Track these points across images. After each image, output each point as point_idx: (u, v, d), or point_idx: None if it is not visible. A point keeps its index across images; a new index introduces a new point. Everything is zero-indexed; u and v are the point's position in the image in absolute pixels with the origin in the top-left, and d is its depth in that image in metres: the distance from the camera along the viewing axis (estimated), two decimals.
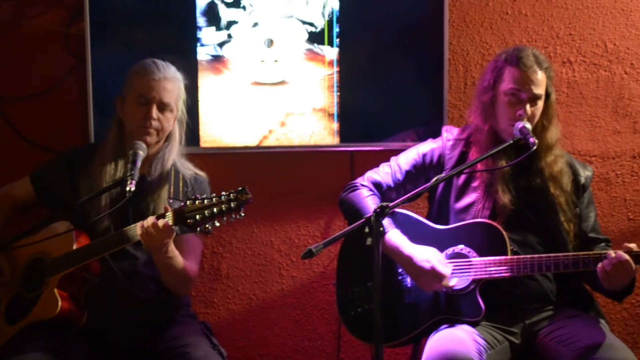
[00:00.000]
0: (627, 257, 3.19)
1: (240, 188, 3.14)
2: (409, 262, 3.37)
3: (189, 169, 3.61)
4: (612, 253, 3.21)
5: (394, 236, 3.42)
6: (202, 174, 3.64)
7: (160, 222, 3.18)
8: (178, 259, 3.39)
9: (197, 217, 3.14)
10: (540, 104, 3.47)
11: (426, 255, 3.36)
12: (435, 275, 3.33)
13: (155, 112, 3.45)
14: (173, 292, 3.52)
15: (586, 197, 3.59)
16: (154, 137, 3.48)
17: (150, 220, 3.20)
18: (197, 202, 3.15)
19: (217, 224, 3.15)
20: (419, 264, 3.34)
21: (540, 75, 3.44)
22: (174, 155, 3.56)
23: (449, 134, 3.65)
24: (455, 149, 3.60)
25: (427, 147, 3.66)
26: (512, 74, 3.44)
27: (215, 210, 3.12)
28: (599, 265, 3.24)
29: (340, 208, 3.65)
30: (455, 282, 3.37)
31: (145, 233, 3.20)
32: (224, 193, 3.14)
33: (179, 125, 3.59)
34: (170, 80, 3.51)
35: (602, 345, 3.18)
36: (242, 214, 3.14)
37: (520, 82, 3.42)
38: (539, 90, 3.44)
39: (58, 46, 4.15)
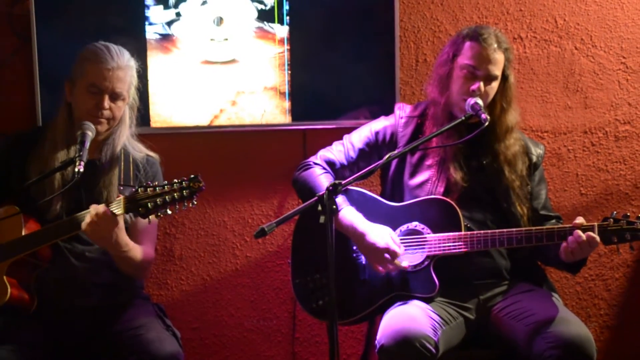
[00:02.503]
0: (594, 235, 3.21)
1: (192, 176, 3.12)
2: (362, 239, 3.37)
3: (140, 151, 3.56)
4: (582, 235, 3.21)
5: (348, 213, 3.41)
6: (153, 155, 3.60)
7: (101, 209, 3.15)
8: (135, 250, 3.37)
9: (149, 205, 3.11)
10: (495, 84, 3.47)
11: (380, 233, 3.35)
12: (387, 252, 3.32)
13: (107, 102, 3.39)
14: (130, 277, 3.49)
15: (537, 175, 3.60)
16: (105, 126, 3.43)
17: (94, 209, 3.16)
18: (149, 189, 3.12)
19: (169, 212, 3.14)
20: (372, 241, 3.34)
21: (499, 55, 3.43)
22: (123, 139, 3.50)
23: (402, 111, 3.65)
24: (408, 127, 3.59)
25: (379, 125, 3.65)
26: (472, 49, 3.43)
27: (167, 198, 3.10)
28: (563, 244, 3.25)
29: (293, 187, 3.63)
30: (407, 263, 3.36)
31: (92, 222, 3.16)
32: (176, 181, 3.12)
33: (130, 110, 3.54)
34: (124, 69, 3.43)
35: (555, 319, 3.20)
36: (195, 202, 3.13)
37: (478, 58, 3.42)
38: (496, 70, 3.43)
39: (2, 26, 4.07)
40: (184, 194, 3.10)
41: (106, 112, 3.40)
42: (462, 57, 3.45)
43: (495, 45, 3.42)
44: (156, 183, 3.14)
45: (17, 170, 3.44)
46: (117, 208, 3.16)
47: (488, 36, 3.42)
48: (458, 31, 3.59)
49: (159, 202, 3.10)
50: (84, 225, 3.18)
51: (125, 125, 3.51)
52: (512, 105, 3.55)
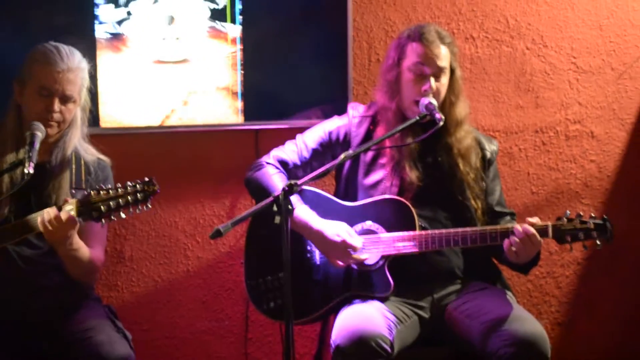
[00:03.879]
0: (533, 230, 3.23)
1: (147, 179, 3.10)
2: (319, 237, 3.36)
3: (91, 154, 3.51)
4: (518, 227, 3.24)
5: (302, 212, 3.40)
6: (105, 158, 3.55)
7: (63, 215, 3.10)
8: (83, 250, 3.32)
9: (102, 208, 3.09)
10: (445, 79, 3.48)
11: (336, 229, 3.35)
12: (346, 247, 3.32)
13: (57, 105, 3.33)
14: (78, 281, 3.44)
15: (492, 171, 3.62)
16: (55, 129, 3.38)
17: (52, 212, 3.12)
18: (102, 192, 3.09)
19: (123, 216, 3.12)
20: (330, 237, 3.34)
21: (443, 50, 3.45)
22: (74, 142, 3.45)
23: (355, 111, 3.64)
24: (361, 126, 3.58)
25: (333, 125, 3.64)
26: (415, 50, 3.44)
27: (121, 201, 3.09)
28: (506, 240, 3.27)
29: (246, 187, 3.61)
30: (367, 256, 3.36)
31: (47, 226, 3.11)
32: (129, 184, 3.09)
33: (81, 111, 3.48)
34: (74, 70, 3.36)
35: (510, 317, 3.21)
36: (149, 206, 3.11)
37: (423, 57, 3.43)
38: (443, 63, 3.45)
39: None
40: (138, 197, 3.08)
41: (56, 115, 3.34)
42: (408, 59, 3.46)
43: (438, 41, 3.44)
44: (109, 186, 3.10)
45: None
46: (70, 211, 3.11)
47: (429, 34, 3.44)
48: (399, 34, 3.58)
49: (112, 206, 3.08)
50: (40, 226, 3.13)
51: (76, 127, 3.46)
52: (460, 98, 3.56)
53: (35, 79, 3.34)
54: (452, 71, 3.52)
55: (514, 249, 3.25)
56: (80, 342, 3.21)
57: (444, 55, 3.45)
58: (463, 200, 3.48)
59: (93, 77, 3.82)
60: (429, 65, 3.43)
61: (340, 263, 3.37)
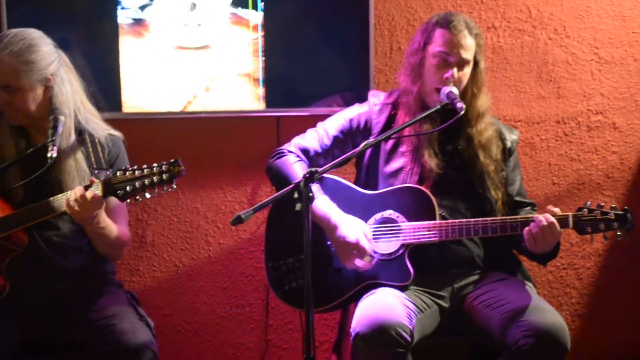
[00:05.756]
0: (553, 219, 3.23)
1: (172, 160, 3.09)
2: (334, 231, 3.36)
3: (102, 129, 3.50)
4: (539, 216, 3.24)
5: (322, 203, 3.40)
6: (116, 133, 3.53)
7: (89, 194, 3.11)
8: (111, 227, 3.34)
9: (128, 188, 3.08)
10: (468, 70, 3.47)
11: (352, 227, 3.35)
12: (356, 249, 3.33)
13: (2, 97, 3.30)
14: (107, 258, 3.48)
15: (512, 160, 3.61)
16: (21, 119, 3.36)
17: (79, 191, 3.13)
18: (127, 172, 3.09)
19: (148, 196, 3.11)
20: (343, 235, 3.34)
21: (469, 40, 3.44)
22: (69, 125, 3.40)
23: (376, 98, 3.64)
24: (382, 114, 3.58)
25: (353, 112, 3.64)
26: (442, 36, 3.43)
27: (146, 181, 3.08)
28: (526, 228, 3.27)
29: (267, 175, 3.61)
30: (369, 261, 3.37)
31: (73, 205, 3.13)
32: (155, 164, 3.09)
33: (70, 93, 3.40)
34: (7, 58, 3.27)
35: (530, 308, 3.21)
36: (174, 186, 3.10)
37: (449, 45, 3.42)
38: (467, 54, 3.44)
39: None
40: (164, 177, 3.07)
41: (8, 107, 3.32)
42: (434, 44, 3.45)
43: (466, 31, 3.43)
44: (135, 166, 3.11)
45: None
46: (96, 191, 3.12)
47: (458, 22, 3.43)
48: (428, 19, 3.57)
49: (137, 186, 3.07)
50: (66, 206, 3.14)
51: (68, 111, 3.38)
52: (483, 89, 3.55)
53: None
54: (476, 63, 3.51)
55: (533, 237, 3.25)
56: (103, 328, 3.22)
57: (469, 46, 3.44)
58: (483, 192, 3.48)
59: (114, 60, 3.89)
60: (453, 54, 3.42)
61: (347, 264, 3.38)
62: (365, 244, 3.33)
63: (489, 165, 3.49)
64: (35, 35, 3.36)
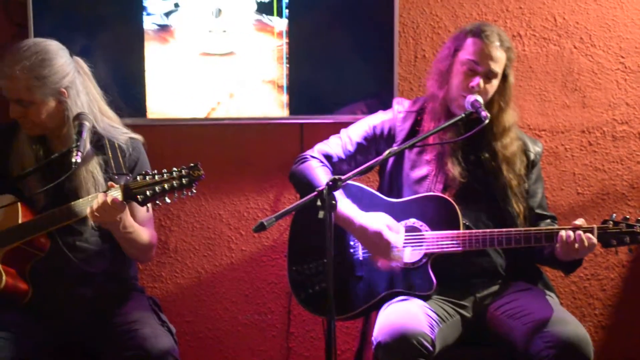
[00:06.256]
0: (594, 240, 3.22)
1: (192, 164, 3.10)
2: (362, 233, 3.36)
3: (122, 134, 3.50)
4: (585, 240, 3.22)
5: (345, 206, 3.39)
6: (136, 136, 3.53)
7: (109, 198, 3.12)
8: (139, 231, 3.35)
9: (148, 193, 3.09)
10: (495, 82, 3.46)
11: (378, 224, 3.35)
12: (388, 245, 3.33)
13: (16, 110, 3.32)
14: (130, 262, 3.50)
15: (535, 173, 3.60)
16: (36, 130, 3.37)
17: (100, 197, 3.14)
18: (147, 177, 3.10)
19: (168, 200, 3.12)
20: (372, 234, 3.34)
21: (500, 53, 3.42)
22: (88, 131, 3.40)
23: (400, 105, 3.64)
24: (406, 121, 3.58)
25: (377, 119, 3.63)
26: (473, 45, 3.42)
27: (166, 186, 3.08)
28: (562, 234, 3.24)
29: (290, 180, 3.61)
30: (408, 256, 3.35)
31: (95, 211, 3.14)
32: (175, 169, 3.09)
33: (86, 102, 3.40)
34: (18, 73, 3.26)
35: (553, 319, 3.20)
36: (194, 191, 3.11)
37: (479, 54, 3.40)
38: (496, 67, 3.42)
39: None
40: (183, 182, 3.08)
41: (23, 119, 3.34)
42: (464, 52, 3.44)
43: (498, 43, 3.41)
44: (155, 171, 3.11)
45: (1, 163, 3.41)
46: (117, 196, 3.13)
47: (491, 33, 3.41)
48: (461, 27, 3.57)
49: (157, 190, 3.08)
50: (89, 212, 3.15)
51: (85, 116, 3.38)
52: (510, 105, 3.54)
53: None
54: (505, 77, 3.49)
55: (567, 245, 3.23)
56: (125, 334, 3.23)
57: (499, 59, 3.42)
58: (505, 206, 3.46)
59: (139, 66, 3.91)
60: (482, 64, 3.40)
61: (380, 264, 3.38)
62: (393, 237, 3.34)
63: (512, 180, 3.48)
64: (50, 48, 3.35)
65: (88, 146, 3.38)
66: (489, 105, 3.46)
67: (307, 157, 3.59)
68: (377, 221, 3.37)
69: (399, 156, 3.56)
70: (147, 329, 3.24)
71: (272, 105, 4.14)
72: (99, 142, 3.42)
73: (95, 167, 3.38)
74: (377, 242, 3.35)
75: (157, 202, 3.13)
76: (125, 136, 3.50)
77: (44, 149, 3.41)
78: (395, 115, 3.61)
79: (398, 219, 3.44)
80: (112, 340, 3.27)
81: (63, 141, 3.36)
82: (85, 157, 3.35)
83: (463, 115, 3.35)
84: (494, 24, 3.68)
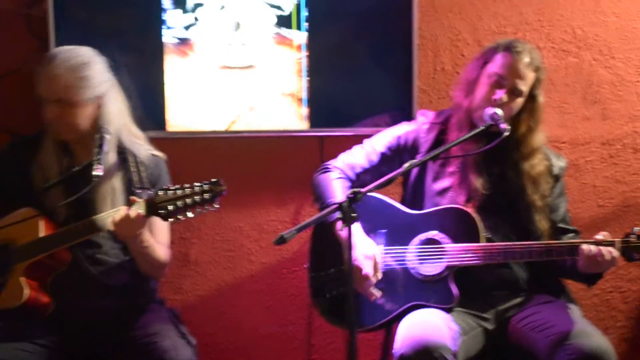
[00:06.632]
0: (616, 254, 3.23)
1: (214, 180, 3.10)
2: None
3: (145, 150, 3.53)
4: (606, 254, 3.22)
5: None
6: (159, 154, 3.56)
7: (133, 213, 3.13)
8: (154, 247, 3.36)
9: (170, 207, 3.09)
10: (520, 101, 3.43)
11: (357, 253, 3.32)
12: (361, 275, 3.31)
13: (53, 111, 3.33)
14: (147, 276, 3.50)
15: (558, 187, 3.58)
16: (69, 134, 3.39)
17: (123, 211, 3.15)
18: (169, 192, 3.10)
19: (190, 215, 3.12)
20: (354, 259, 3.31)
21: (529, 72, 3.40)
22: (113, 144, 3.43)
23: (424, 117, 3.63)
24: (430, 133, 3.57)
25: (402, 130, 3.64)
26: (502, 59, 3.41)
27: (188, 201, 3.08)
28: (584, 247, 3.24)
29: (311, 188, 3.62)
30: (377, 295, 3.35)
31: (119, 224, 3.15)
32: (197, 184, 3.10)
33: (117, 113, 3.44)
34: (61, 76, 3.31)
35: (576, 332, 3.18)
36: (216, 206, 3.11)
37: (506, 69, 3.39)
38: (522, 85, 3.40)
39: (20, 28, 4.06)
40: (205, 197, 3.08)
41: (60, 122, 3.35)
42: (492, 65, 3.43)
43: (527, 61, 3.39)
44: (177, 186, 3.12)
45: (22, 176, 3.42)
46: (139, 210, 3.14)
47: (522, 50, 3.40)
48: (495, 41, 3.56)
49: (179, 205, 3.09)
50: (111, 225, 3.17)
51: (113, 127, 3.42)
52: (540, 126, 3.52)
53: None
54: (534, 97, 3.47)
55: (590, 259, 3.23)
56: (145, 346, 3.24)
57: (526, 77, 3.40)
58: (529, 224, 3.45)
59: (159, 79, 3.93)
60: (508, 79, 3.39)
61: (357, 287, 3.35)
62: (368, 271, 3.31)
63: (537, 200, 3.46)
64: (90, 53, 3.40)
65: (112, 159, 3.40)
66: (516, 124, 3.44)
67: (329, 167, 3.59)
68: (365, 249, 3.34)
69: (422, 168, 3.55)
70: (167, 341, 3.24)
71: (292, 118, 4.15)
72: (123, 156, 3.44)
73: (118, 181, 3.40)
74: (357, 269, 3.32)
75: (179, 217, 3.13)
76: (148, 152, 3.51)
77: (68, 160, 3.42)
78: (419, 126, 3.61)
79: (419, 231, 3.44)
80: (132, 352, 3.28)
81: (88, 151, 3.37)
82: (109, 170, 3.38)
83: (482, 127, 3.35)
84: (511, 36, 3.68)
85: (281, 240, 2.85)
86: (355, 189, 2.97)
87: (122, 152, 3.45)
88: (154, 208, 3.13)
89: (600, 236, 3.25)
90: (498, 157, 3.47)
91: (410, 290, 3.40)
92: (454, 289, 3.33)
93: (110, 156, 3.40)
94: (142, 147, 3.52)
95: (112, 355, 3.37)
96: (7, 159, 3.53)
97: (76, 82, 3.32)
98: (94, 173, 3.21)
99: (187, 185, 3.11)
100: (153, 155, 3.53)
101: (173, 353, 3.19)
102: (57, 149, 3.43)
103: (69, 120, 3.35)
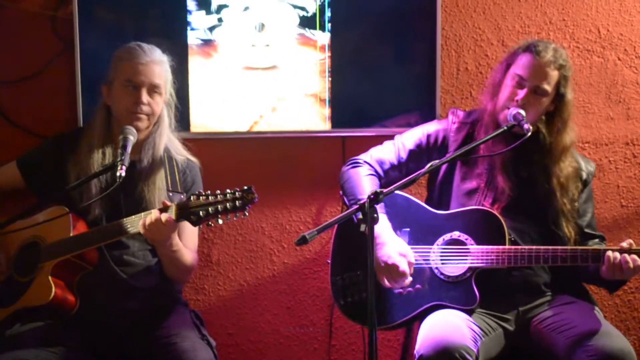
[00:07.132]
0: None
1: (246, 187, 3.12)
2: (378, 249, 3.35)
3: (181, 154, 3.58)
4: (629, 260, 3.21)
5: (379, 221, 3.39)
6: (193, 159, 3.63)
7: (164, 217, 3.15)
8: (182, 252, 3.39)
9: (201, 213, 3.12)
10: (545, 100, 3.43)
11: (392, 251, 3.33)
12: (394, 272, 3.31)
13: (145, 96, 3.41)
14: (173, 280, 3.52)
15: (586, 192, 3.57)
16: (145, 122, 3.44)
17: (154, 215, 3.17)
18: (201, 197, 3.12)
19: (220, 222, 3.13)
20: (380, 255, 3.33)
21: (551, 71, 3.40)
22: (165, 140, 3.52)
23: (455, 116, 3.63)
24: (460, 132, 3.57)
25: (432, 128, 3.64)
26: (524, 60, 3.41)
27: (219, 207, 3.11)
28: (608, 255, 3.22)
29: (339, 181, 3.63)
30: (409, 281, 3.36)
31: (149, 228, 3.17)
32: (229, 191, 3.12)
33: (167, 108, 3.55)
34: (158, 63, 3.46)
35: (597, 333, 3.18)
36: (247, 214, 3.13)
37: (528, 69, 3.39)
38: (546, 85, 3.40)
39: (45, 30, 4.08)
40: (237, 204, 3.10)
41: (145, 108, 3.42)
42: (515, 66, 3.44)
43: (550, 59, 3.38)
44: (209, 192, 3.13)
45: (59, 172, 3.46)
46: (171, 215, 3.17)
47: (543, 49, 3.39)
48: (519, 42, 3.56)
49: (211, 211, 3.10)
50: (141, 228, 3.19)
51: (164, 125, 3.53)
52: (569, 125, 3.51)
53: (122, 75, 3.43)
54: (562, 96, 3.46)
55: (614, 268, 3.22)
56: (165, 347, 3.27)
57: (549, 76, 3.40)
58: (556, 229, 3.44)
59: (183, 80, 3.95)
60: (530, 80, 3.38)
61: (385, 282, 3.36)
62: (405, 268, 3.32)
63: (565, 205, 3.45)
64: None
65: (160, 150, 3.47)
66: (546, 125, 3.44)
67: (359, 162, 3.61)
68: (394, 247, 3.36)
69: (451, 167, 3.56)
70: (186, 342, 3.27)
71: (315, 118, 4.15)
72: (161, 157, 3.48)
73: (154, 181, 3.44)
74: (387, 266, 3.33)
75: (210, 223, 3.15)
76: (183, 157, 3.55)
77: (102, 160, 3.46)
78: (449, 125, 3.62)
79: (444, 231, 3.44)
80: (152, 352, 3.31)
81: (137, 148, 3.44)
82: (148, 171, 3.43)
83: (505, 127, 3.34)
84: (535, 36, 3.66)
85: (303, 241, 2.87)
86: (377, 190, 2.98)
87: (163, 153, 3.51)
88: (185, 213, 3.15)
89: (625, 244, 3.24)
90: (527, 160, 3.46)
91: (432, 289, 3.41)
92: (476, 291, 3.32)
93: (158, 153, 3.47)
94: (179, 150, 3.58)
95: (132, 355, 3.39)
96: (49, 150, 3.59)
97: (166, 71, 3.52)
98: (117, 174, 3.23)
99: (218, 192, 3.12)
100: (189, 159, 3.58)
101: (192, 354, 3.22)
102: (93, 148, 3.46)
103: (153, 107, 3.46)
